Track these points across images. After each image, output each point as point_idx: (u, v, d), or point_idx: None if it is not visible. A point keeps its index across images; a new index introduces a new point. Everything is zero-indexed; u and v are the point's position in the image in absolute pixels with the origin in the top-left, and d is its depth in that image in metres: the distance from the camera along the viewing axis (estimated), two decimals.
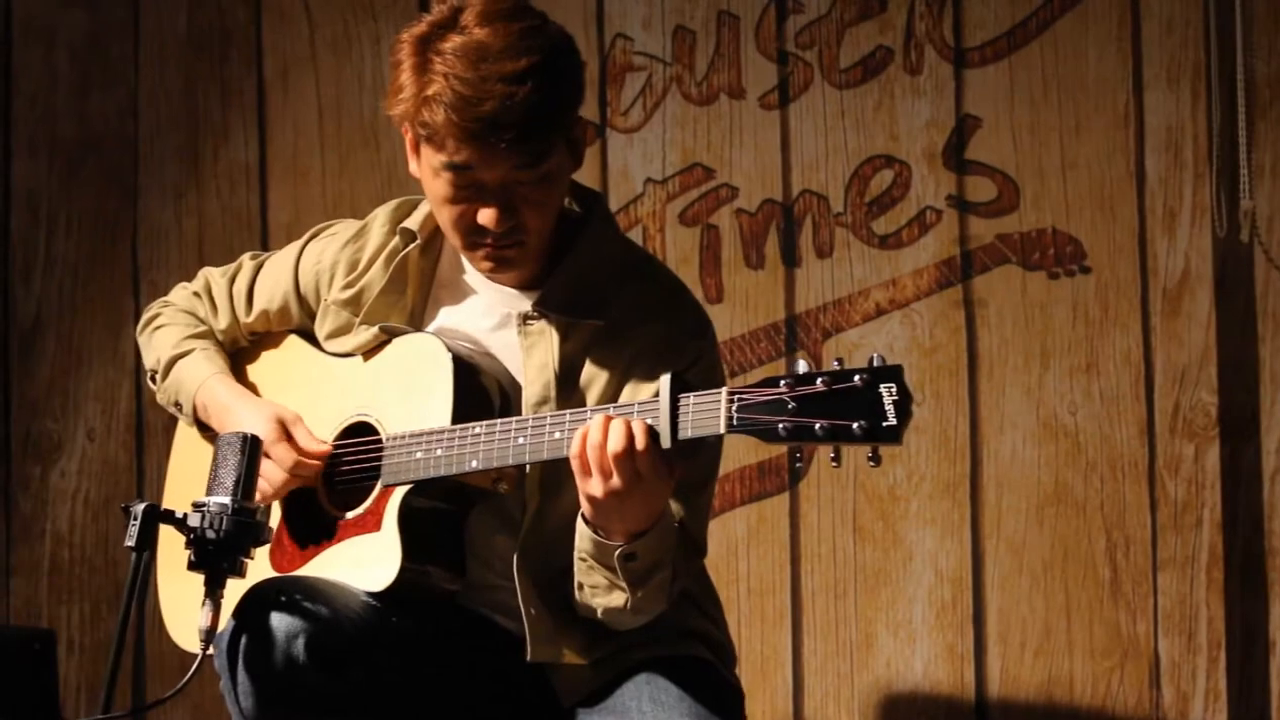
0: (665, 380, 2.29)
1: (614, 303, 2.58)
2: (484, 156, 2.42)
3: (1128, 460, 3.45)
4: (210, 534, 2.33)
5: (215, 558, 2.34)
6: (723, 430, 2.22)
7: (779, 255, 3.63)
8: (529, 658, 2.54)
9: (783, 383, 2.20)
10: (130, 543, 2.32)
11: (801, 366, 2.20)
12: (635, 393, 2.53)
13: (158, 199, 4.03)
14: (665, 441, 2.28)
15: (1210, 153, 3.40)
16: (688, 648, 2.64)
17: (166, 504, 2.78)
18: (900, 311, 3.56)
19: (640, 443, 2.30)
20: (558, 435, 2.39)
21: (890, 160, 3.58)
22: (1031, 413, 3.50)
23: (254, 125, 3.96)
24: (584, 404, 2.54)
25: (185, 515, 2.35)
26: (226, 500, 2.35)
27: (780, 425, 2.19)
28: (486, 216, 2.47)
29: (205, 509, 2.35)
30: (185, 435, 2.90)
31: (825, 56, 3.61)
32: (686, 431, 2.27)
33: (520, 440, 2.41)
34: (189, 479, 2.85)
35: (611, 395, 2.54)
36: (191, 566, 2.36)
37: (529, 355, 2.57)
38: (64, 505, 4.05)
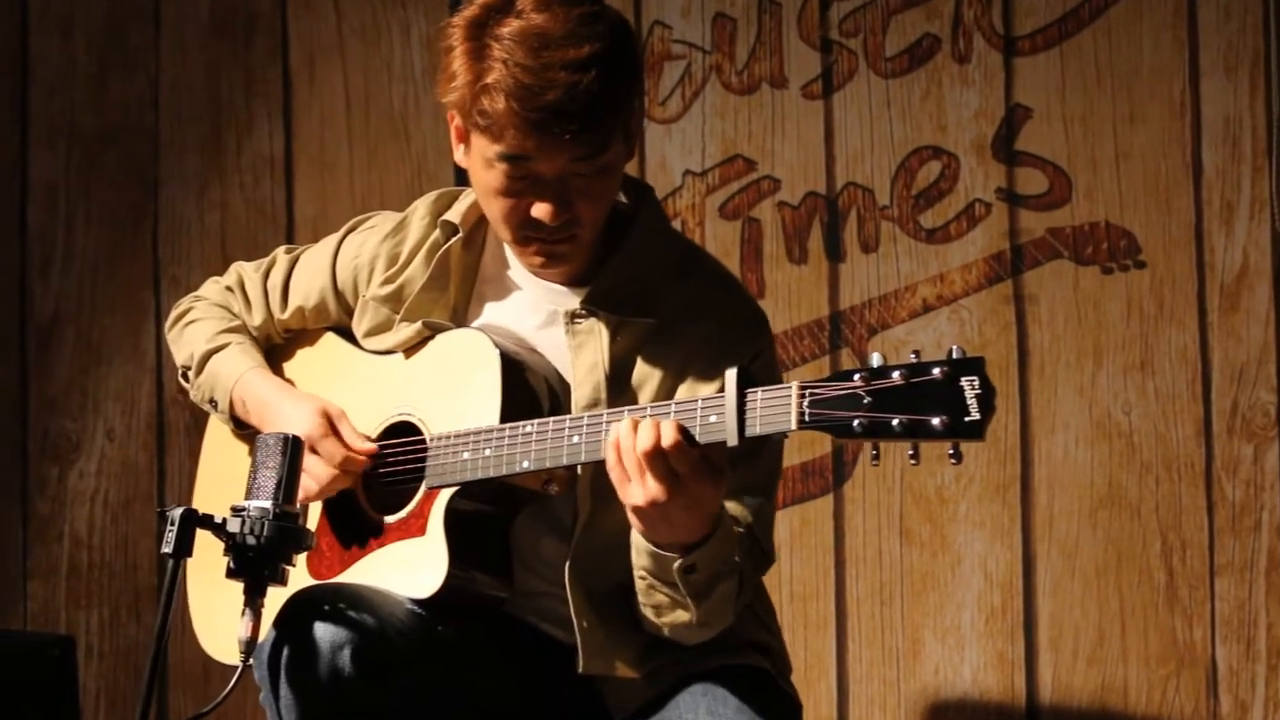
0: (731, 375, 2.21)
1: (666, 299, 2.50)
2: (544, 147, 2.34)
3: (1184, 461, 3.39)
4: (250, 540, 2.25)
5: (256, 565, 2.26)
6: (794, 426, 2.14)
7: (822, 250, 3.58)
8: (581, 670, 2.45)
9: (857, 376, 2.12)
10: (167, 549, 2.24)
11: (875, 359, 2.12)
12: (691, 392, 2.45)
13: (179, 192, 3.98)
14: (732, 439, 2.20)
15: (1269, 144, 3.34)
16: (744, 657, 2.56)
17: (195, 506, 2.72)
18: (948, 308, 3.50)
19: (668, 439, 2.21)
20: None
21: (938, 151, 3.53)
22: (1084, 412, 3.44)
23: (279, 116, 3.92)
24: (636, 404, 2.45)
25: (224, 520, 2.26)
26: (268, 504, 2.27)
27: (855, 421, 2.11)
28: (542, 210, 2.39)
29: (245, 514, 2.26)
30: (216, 434, 2.82)
31: (870, 44, 3.56)
32: (755, 428, 2.18)
33: (575, 439, 2.33)
34: (220, 480, 2.78)
35: (665, 395, 2.46)
36: (231, 574, 2.28)
37: (578, 355, 2.49)
38: (82, 507, 4.01)
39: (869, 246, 3.55)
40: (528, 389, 2.47)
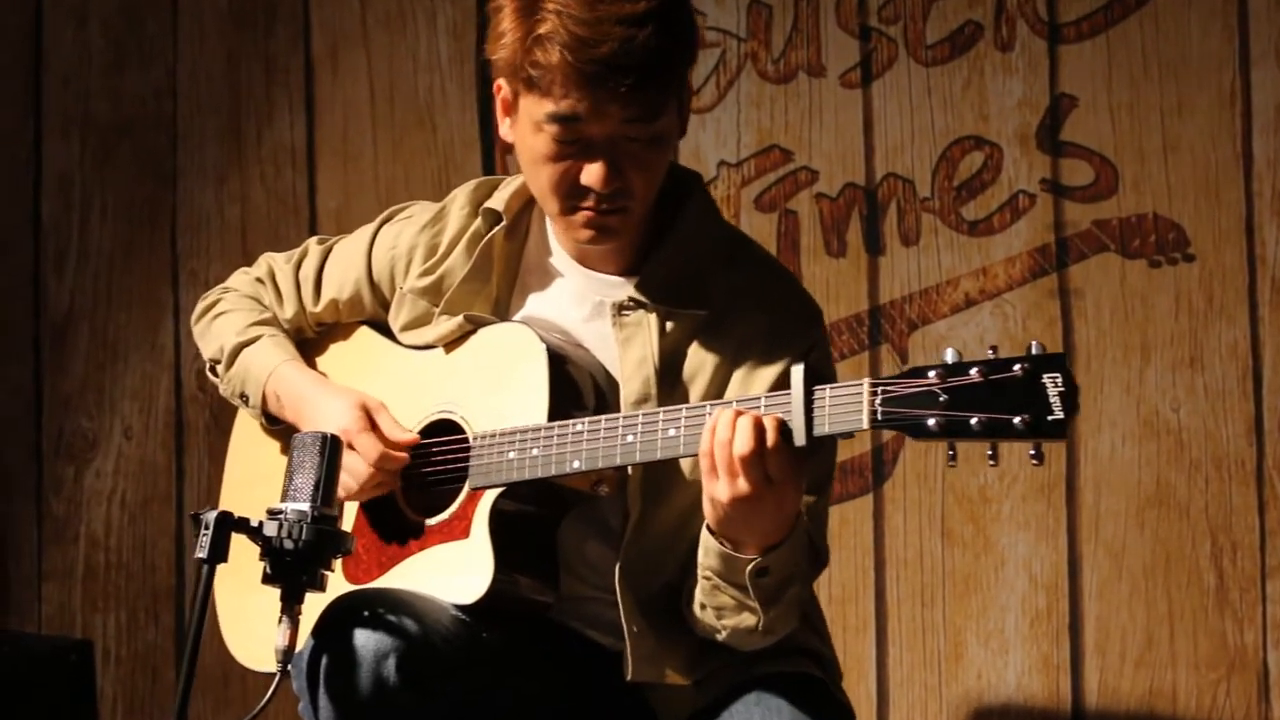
0: (797, 372, 2.14)
1: (717, 290, 2.43)
2: (595, 105, 2.27)
3: (1234, 460, 3.35)
4: (288, 544, 2.17)
5: (293, 570, 2.18)
6: (865, 425, 2.08)
7: (862, 242, 3.54)
8: (630, 677, 2.38)
9: (932, 373, 2.05)
10: (202, 554, 2.15)
11: (950, 355, 2.06)
12: (745, 387, 2.38)
13: (198, 183, 3.95)
14: (799, 439, 2.13)
15: None
16: (797, 664, 2.49)
17: (223, 507, 2.65)
18: (991, 302, 3.45)
19: (770, 440, 2.15)
20: (672, 433, 2.24)
21: (980, 142, 3.48)
22: (1131, 410, 3.40)
23: (301, 105, 3.88)
24: (686, 401, 2.39)
25: (261, 524, 2.18)
26: (305, 507, 2.19)
27: (931, 420, 2.05)
28: (592, 175, 2.32)
29: (282, 517, 2.18)
30: (245, 431, 2.75)
31: (911, 32, 3.52)
32: (824, 427, 2.12)
33: (630, 439, 2.26)
34: (250, 480, 2.72)
35: (717, 391, 2.40)
36: (267, 580, 2.20)
37: (626, 348, 2.42)
38: (99, 507, 3.98)
39: (909, 239, 3.51)
40: (574, 385, 2.40)
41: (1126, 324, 3.38)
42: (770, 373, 2.37)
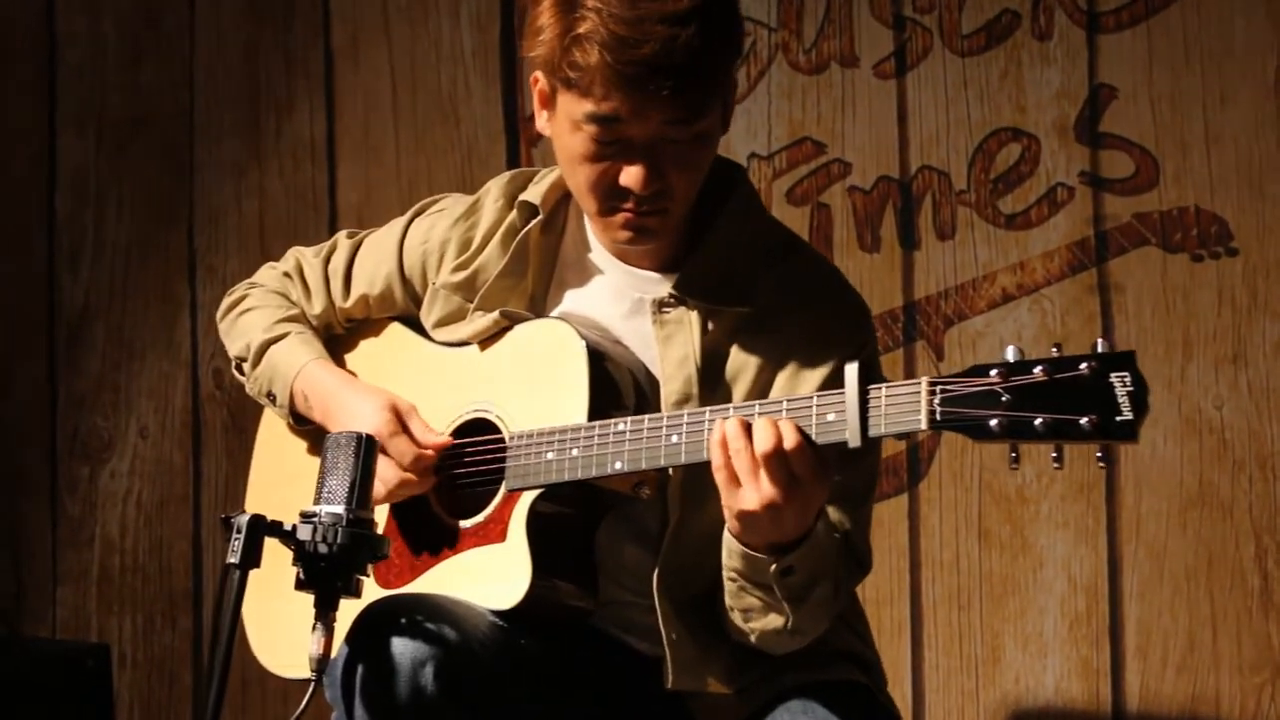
0: (851, 370, 2.09)
1: (761, 286, 2.39)
2: (636, 106, 2.21)
3: (1279, 458, 3.30)
4: (322, 548, 2.11)
5: (328, 575, 2.12)
6: (924, 426, 2.02)
7: (896, 237, 3.50)
8: (670, 686, 2.34)
9: (993, 371, 2.00)
10: (233, 559, 2.10)
11: (1011, 353, 2.01)
12: (790, 388, 2.34)
13: (215, 178, 3.94)
14: (854, 439, 2.08)
15: None
16: (841, 670, 2.44)
17: (248, 509, 2.60)
18: (1029, 298, 3.42)
19: (790, 441, 2.11)
20: None
21: (1017, 133, 3.44)
22: (1173, 407, 3.35)
23: (321, 98, 3.87)
24: (729, 400, 2.33)
25: (294, 528, 2.12)
26: (340, 510, 2.13)
27: (993, 420, 1.99)
28: (631, 176, 2.26)
29: (316, 520, 2.12)
30: (271, 431, 2.69)
31: (946, 21, 3.48)
32: (880, 428, 2.07)
33: (674, 439, 2.21)
34: (276, 482, 2.67)
35: (761, 390, 2.35)
36: (300, 585, 2.14)
37: (666, 347, 2.37)
38: (114, 508, 3.98)
39: (945, 233, 3.47)
40: (614, 384, 2.35)
41: (1168, 320, 3.34)
42: (817, 373, 2.32)
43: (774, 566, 2.20)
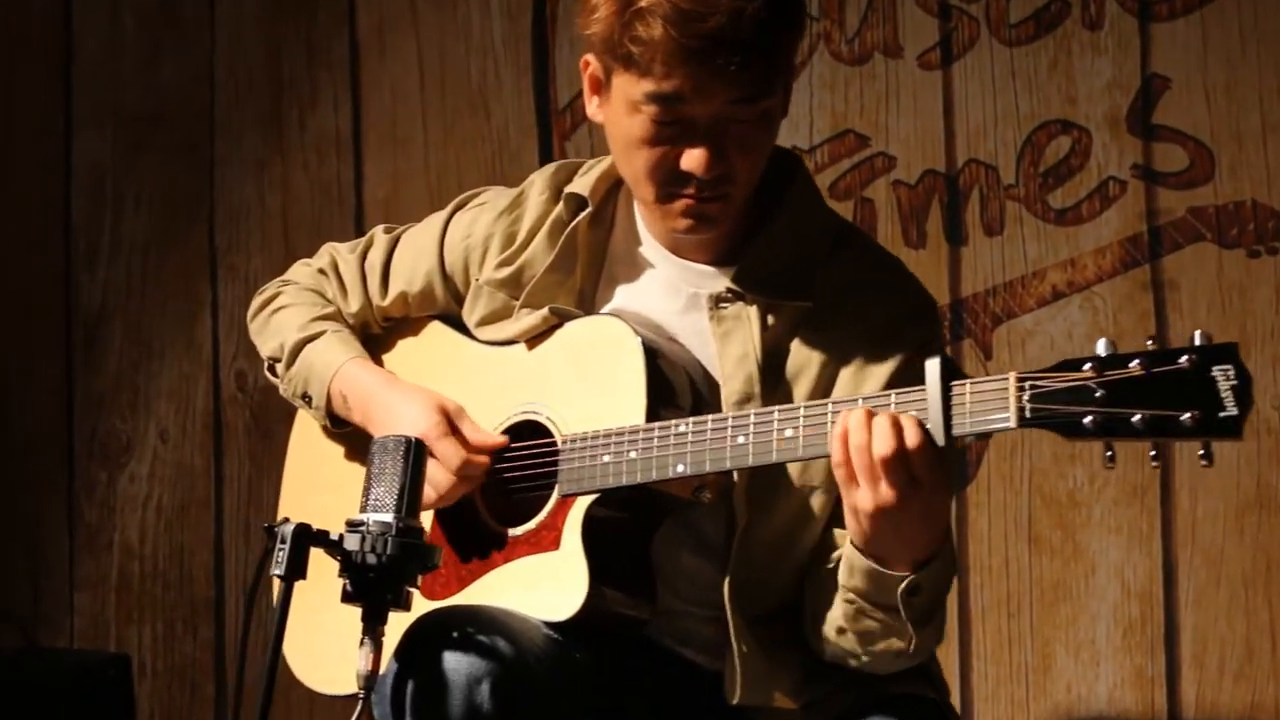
0: (933, 366, 2.01)
1: (821, 279, 2.31)
2: (700, 84, 2.14)
3: None
4: (371, 559, 2.02)
5: (377, 587, 2.03)
6: (1013, 424, 1.95)
7: (942, 232, 3.47)
8: (736, 701, 2.25)
9: (1087, 366, 1.93)
10: (279, 571, 2.01)
11: (1103, 347, 1.94)
12: (855, 385, 2.26)
13: (237, 173, 3.92)
14: (939, 439, 2.01)
15: None
16: (910, 685, 2.34)
17: (282, 517, 2.52)
18: (1080, 295, 3.39)
19: (913, 439, 2.03)
20: (789, 434, 2.11)
21: (1067, 125, 3.41)
22: None
23: (346, 90, 3.84)
24: (791, 399, 2.26)
25: (341, 537, 2.03)
26: (389, 518, 2.04)
27: (1087, 417, 1.92)
28: (693, 159, 2.19)
29: (364, 529, 2.04)
30: (305, 434, 2.61)
31: (993, 10, 3.44)
32: (964, 426, 1.99)
33: (741, 440, 2.13)
34: (310, 488, 2.60)
35: (823, 389, 2.27)
36: (348, 598, 2.05)
37: (725, 344, 2.29)
38: (134, 514, 3.95)
39: (993, 229, 3.44)
40: (670, 383, 2.27)
41: (1224, 317, 3.30)
42: (883, 370, 2.25)
43: (902, 586, 2.12)
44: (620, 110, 2.22)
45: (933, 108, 3.47)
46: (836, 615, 2.19)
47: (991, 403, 1.97)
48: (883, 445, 2.01)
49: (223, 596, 3.86)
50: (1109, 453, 2.00)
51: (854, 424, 2.03)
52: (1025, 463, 3.37)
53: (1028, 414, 1.94)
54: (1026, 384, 1.95)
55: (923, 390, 2.01)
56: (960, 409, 1.99)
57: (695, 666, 2.33)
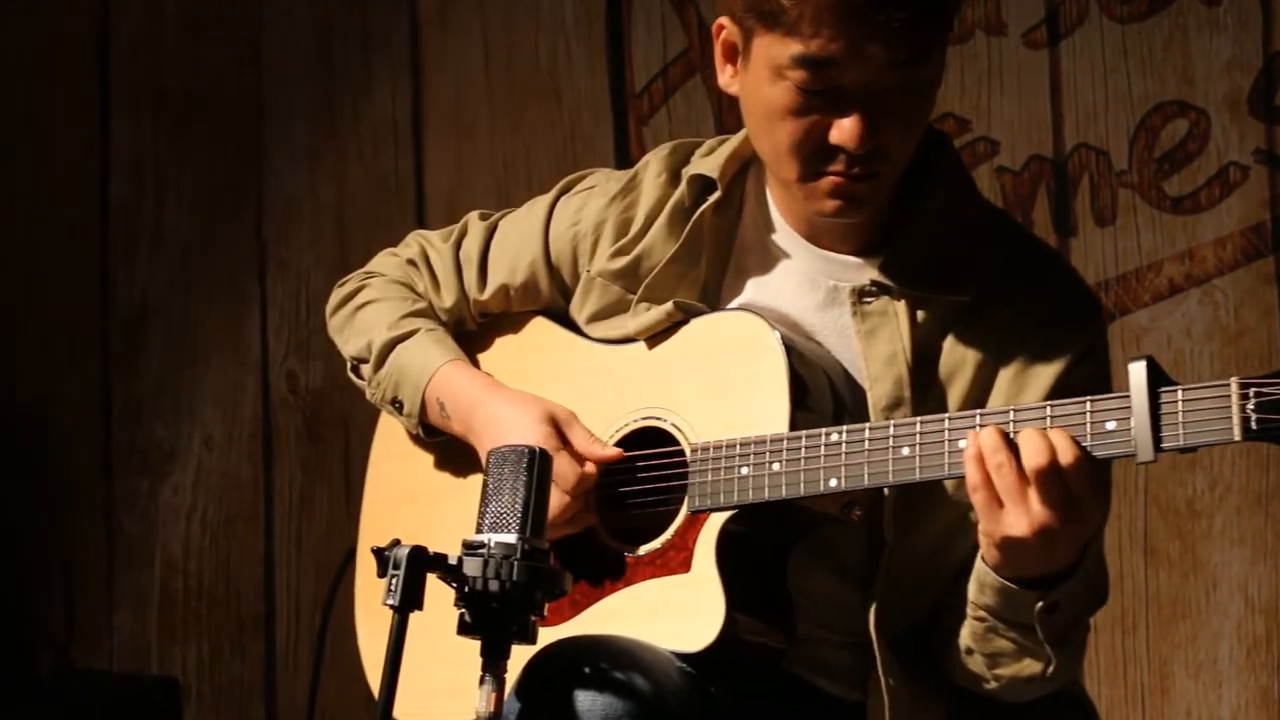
0: (1138, 369, 1.85)
1: (976, 272, 2.15)
2: (855, 45, 1.99)
3: None
4: (494, 585, 1.82)
5: (500, 618, 1.83)
6: (1237, 436, 1.81)
7: (1050, 222, 3.38)
8: None
9: None
10: (393, 601, 1.81)
11: None
12: (1016, 387, 2.11)
13: (286, 163, 3.88)
14: (1146, 454, 1.86)
15: None
16: (1064, 715, 2.22)
17: (364, 536, 2.43)
18: (1199, 289, 3.30)
19: (1067, 455, 1.89)
20: (962, 444, 1.94)
21: (1184, 108, 3.32)
22: None
23: (405, 74, 3.77)
24: (944, 404, 2.10)
25: (460, 561, 1.84)
26: (512, 539, 1.84)
27: None
28: (844, 131, 2.03)
29: (485, 552, 1.84)
30: (390, 442, 2.45)
31: None
32: (1177, 439, 1.85)
33: (906, 451, 1.96)
34: (396, 500, 2.44)
35: (980, 391, 2.11)
36: (465, 630, 1.86)
37: (870, 343, 2.13)
38: (177, 526, 3.91)
39: (1105, 218, 3.36)
40: (809, 387, 2.10)
41: None
42: (1048, 372, 2.09)
43: (1040, 604, 1.99)
44: (761, 78, 2.06)
45: (1039, 89, 3.39)
46: (965, 636, 2.06)
47: (1209, 412, 1.83)
48: (1037, 461, 1.88)
49: (273, 612, 3.81)
50: None
51: (988, 444, 1.91)
52: (1140, 469, 3.13)
53: (1254, 425, 1.80)
54: (1251, 391, 1.80)
55: (1125, 398, 1.86)
56: (1171, 419, 1.85)
57: (831, 698, 2.16)
